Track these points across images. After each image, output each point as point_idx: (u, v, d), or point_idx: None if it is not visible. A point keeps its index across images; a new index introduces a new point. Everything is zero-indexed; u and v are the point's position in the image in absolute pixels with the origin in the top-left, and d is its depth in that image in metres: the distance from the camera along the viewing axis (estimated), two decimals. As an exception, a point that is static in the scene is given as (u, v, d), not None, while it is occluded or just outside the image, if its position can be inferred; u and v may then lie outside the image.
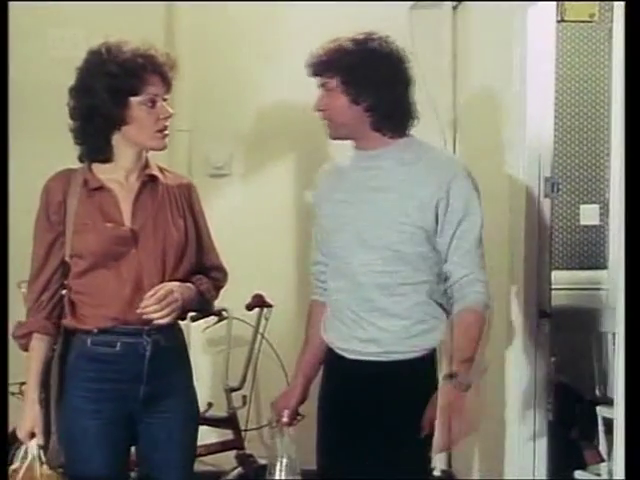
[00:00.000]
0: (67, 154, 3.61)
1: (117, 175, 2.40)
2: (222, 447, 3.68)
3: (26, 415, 2.33)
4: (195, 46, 4.02)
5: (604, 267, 4.27)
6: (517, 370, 3.21)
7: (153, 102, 2.35)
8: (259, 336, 3.80)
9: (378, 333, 2.40)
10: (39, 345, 2.36)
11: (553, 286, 3.28)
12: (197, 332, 3.85)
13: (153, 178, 2.43)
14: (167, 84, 2.39)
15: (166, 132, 2.40)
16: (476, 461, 3.66)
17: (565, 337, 3.51)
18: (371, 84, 2.37)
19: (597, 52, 4.30)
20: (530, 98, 3.15)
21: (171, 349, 2.41)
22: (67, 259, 2.36)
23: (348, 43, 2.40)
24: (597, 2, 4.15)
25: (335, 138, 2.52)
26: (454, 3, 4.04)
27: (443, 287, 2.42)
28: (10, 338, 2.38)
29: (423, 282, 2.40)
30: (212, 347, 3.87)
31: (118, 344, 2.34)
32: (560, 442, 3.38)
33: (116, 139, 2.38)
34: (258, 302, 3.80)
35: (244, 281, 3.94)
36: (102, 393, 2.34)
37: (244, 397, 3.73)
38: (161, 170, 2.51)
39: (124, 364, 2.34)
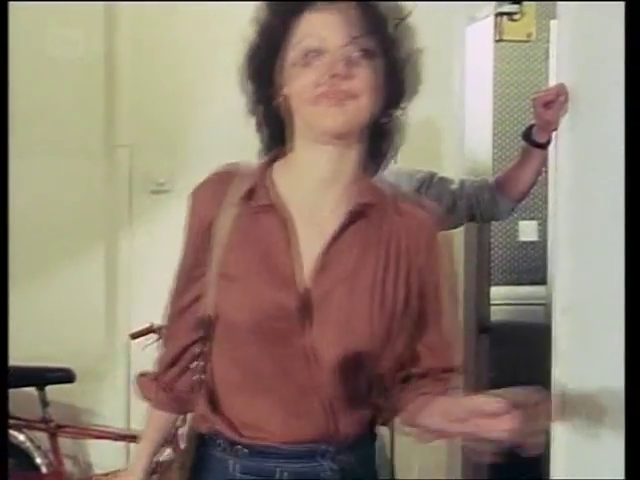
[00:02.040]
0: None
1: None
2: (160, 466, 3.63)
3: None
4: (136, 59, 4.00)
5: (543, 283, 4.33)
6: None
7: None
8: (200, 353, 3.77)
9: None
10: (158, 420, 1.88)
11: (492, 301, 3.32)
12: (138, 350, 3.82)
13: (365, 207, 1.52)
14: None
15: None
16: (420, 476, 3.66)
17: (504, 352, 3.55)
18: None
19: (534, 71, 4.37)
20: (468, 116, 3.20)
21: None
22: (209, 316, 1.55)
23: None
24: (534, 21, 4.23)
25: None
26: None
27: None
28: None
29: None
30: (153, 365, 3.82)
31: (278, 471, 1.51)
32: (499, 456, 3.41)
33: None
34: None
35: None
36: None
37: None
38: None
39: None
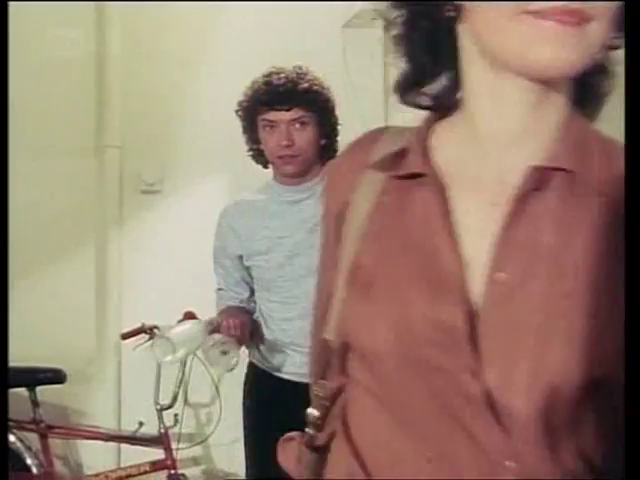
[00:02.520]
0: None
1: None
2: (153, 467, 3.63)
3: None
4: (127, 60, 4.01)
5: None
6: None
7: None
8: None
9: None
10: None
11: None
12: (128, 350, 3.82)
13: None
14: None
15: None
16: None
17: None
18: (334, 122, 2.41)
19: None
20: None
21: None
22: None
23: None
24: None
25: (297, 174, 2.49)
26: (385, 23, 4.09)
27: None
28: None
29: None
30: (143, 365, 3.82)
31: None
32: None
33: None
34: (189, 319, 3.77)
35: (176, 298, 3.92)
36: None
37: (175, 415, 3.69)
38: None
39: None
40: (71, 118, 3.97)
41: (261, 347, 2.58)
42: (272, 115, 2.40)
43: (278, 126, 2.41)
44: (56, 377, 3.66)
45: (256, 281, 2.61)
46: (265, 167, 2.61)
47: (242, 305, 2.71)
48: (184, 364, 3.75)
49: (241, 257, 2.59)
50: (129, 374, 4.05)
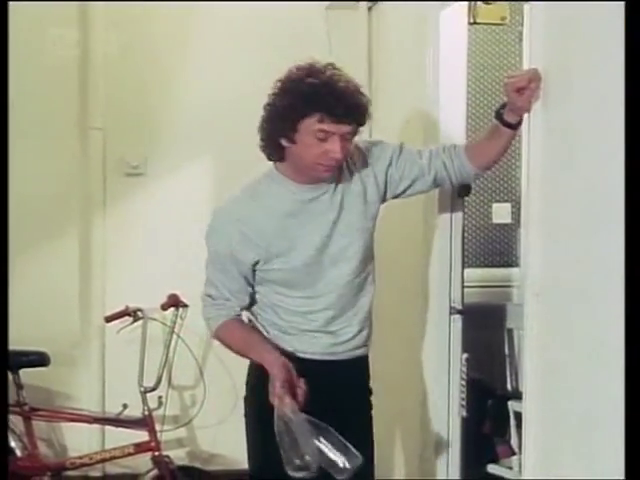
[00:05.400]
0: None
1: None
2: (137, 449, 3.64)
3: None
4: (110, 43, 3.99)
5: (515, 265, 4.35)
6: (431, 367, 3.26)
7: None
8: (174, 336, 3.78)
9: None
10: None
11: (466, 284, 3.33)
12: (112, 333, 3.82)
13: None
14: None
15: None
16: (395, 460, 3.69)
17: (477, 334, 3.58)
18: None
19: (508, 54, 4.38)
20: (442, 98, 3.20)
21: None
22: None
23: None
24: (508, 4, 4.23)
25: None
26: (369, 4, 4.07)
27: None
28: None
29: None
30: (127, 348, 3.82)
31: None
32: (473, 437, 3.44)
33: None
34: (173, 302, 3.78)
35: (159, 281, 3.92)
36: None
37: (160, 398, 3.70)
38: None
39: None
40: (54, 100, 3.96)
41: (272, 332, 2.50)
42: (332, 127, 2.26)
43: (332, 136, 2.29)
44: (40, 360, 3.66)
45: (271, 282, 2.48)
46: (272, 160, 2.47)
47: (240, 315, 2.59)
48: (168, 347, 3.76)
49: (256, 262, 2.45)
50: (113, 357, 4.05)
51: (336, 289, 2.44)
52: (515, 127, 2.38)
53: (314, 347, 2.46)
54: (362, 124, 2.34)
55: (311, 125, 2.24)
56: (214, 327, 2.55)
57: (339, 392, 2.43)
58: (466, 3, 3.36)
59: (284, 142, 2.31)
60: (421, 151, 2.56)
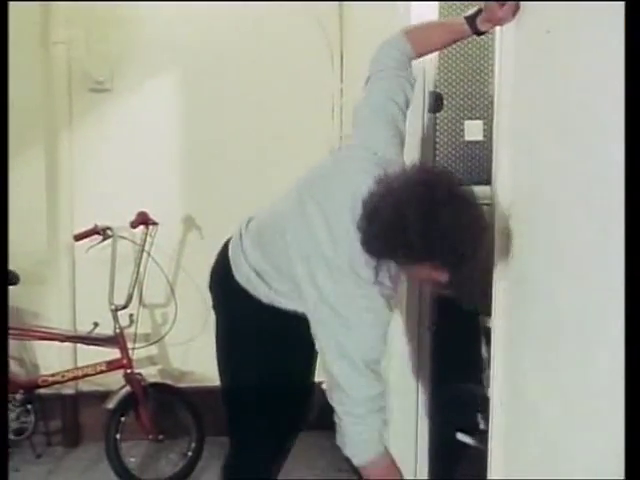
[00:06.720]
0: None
1: None
2: (109, 366, 3.66)
3: None
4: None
5: (487, 183, 4.35)
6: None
7: None
8: (144, 254, 3.76)
9: None
10: None
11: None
12: (81, 252, 3.79)
13: None
14: None
15: None
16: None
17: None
18: None
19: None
20: (414, 12, 3.13)
21: None
22: None
23: None
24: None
25: None
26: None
27: None
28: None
29: None
30: (97, 267, 3.80)
31: None
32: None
33: None
34: (142, 220, 3.75)
35: (128, 199, 3.89)
36: None
37: (131, 316, 3.70)
38: None
39: None
40: (14, 13, 3.83)
41: None
42: None
43: None
44: (9, 279, 3.63)
45: None
46: None
47: None
48: (138, 265, 3.74)
49: None
50: (83, 275, 4.03)
51: None
52: (480, 34, 2.39)
53: None
54: None
55: None
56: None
57: None
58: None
59: None
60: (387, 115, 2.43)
